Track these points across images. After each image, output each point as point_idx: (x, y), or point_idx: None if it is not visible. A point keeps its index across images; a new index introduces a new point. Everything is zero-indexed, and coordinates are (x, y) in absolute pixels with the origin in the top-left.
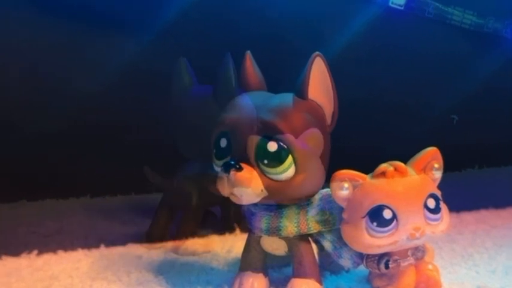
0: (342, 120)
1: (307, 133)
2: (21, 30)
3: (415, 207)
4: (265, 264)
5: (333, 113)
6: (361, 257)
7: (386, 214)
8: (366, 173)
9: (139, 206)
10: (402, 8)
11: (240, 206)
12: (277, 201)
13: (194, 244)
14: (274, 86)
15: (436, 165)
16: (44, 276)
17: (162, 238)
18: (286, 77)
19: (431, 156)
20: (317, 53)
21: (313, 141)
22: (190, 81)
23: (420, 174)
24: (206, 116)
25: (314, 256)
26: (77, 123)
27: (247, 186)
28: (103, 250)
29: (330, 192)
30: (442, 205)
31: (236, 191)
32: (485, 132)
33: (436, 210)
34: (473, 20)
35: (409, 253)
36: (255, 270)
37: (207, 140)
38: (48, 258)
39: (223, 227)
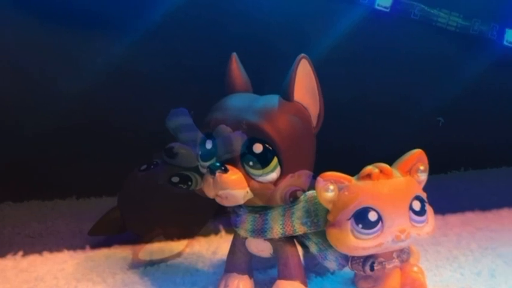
0: (328, 122)
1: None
2: (7, 31)
3: (400, 210)
4: (251, 266)
5: (319, 114)
6: (347, 259)
7: (372, 216)
8: (352, 174)
9: None
10: (388, 10)
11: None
12: (263, 203)
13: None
14: (259, 87)
15: (421, 167)
16: (29, 277)
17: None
18: (272, 79)
19: (417, 158)
20: (303, 54)
21: (298, 143)
22: None
23: (406, 176)
24: None
25: (299, 258)
26: (62, 125)
27: (232, 188)
28: (88, 251)
29: (316, 194)
30: (428, 207)
31: (221, 192)
32: (471, 134)
33: (421, 212)
34: (459, 22)
35: (395, 255)
36: (240, 271)
37: None
38: (34, 259)
39: None
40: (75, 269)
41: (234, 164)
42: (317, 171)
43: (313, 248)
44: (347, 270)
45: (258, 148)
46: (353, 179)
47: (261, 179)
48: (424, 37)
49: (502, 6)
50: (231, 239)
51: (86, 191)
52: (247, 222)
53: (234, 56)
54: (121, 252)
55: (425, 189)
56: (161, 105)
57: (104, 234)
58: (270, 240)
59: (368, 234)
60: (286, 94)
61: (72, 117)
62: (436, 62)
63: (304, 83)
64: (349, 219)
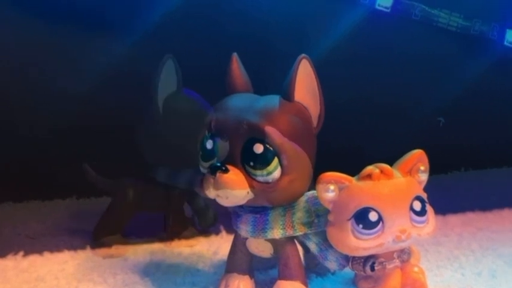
0: (328, 122)
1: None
2: (8, 31)
3: (401, 210)
4: (251, 266)
5: (319, 115)
6: (347, 259)
7: (372, 216)
8: (352, 175)
9: None
10: (389, 11)
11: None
12: (263, 203)
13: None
14: (260, 87)
15: (422, 168)
16: (29, 277)
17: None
18: (273, 79)
19: (417, 159)
20: (303, 55)
21: (299, 143)
22: (179, 83)
23: (406, 177)
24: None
25: (300, 258)
26: (62, 125)
27: (233, 188)
28: (89, 252)
29: (316, 194)
30: (428, 207)
31: (222, 193)
32: (471, 134)
33: (422, 212)
34: (459, 22)
35: (395, 255)
36: (241, 272)
37: (194, 147)
38: (34, 259)
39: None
40: (76, 269)
41: (235, 164)
42: (317, 171)
43: (313, 248)
44: (347, 270)
45: (258, 148)
46: (353, 180)
47: (261, 179)
48: (424, 37)
49: (502, 6)
50: (232, 239)
51: (86, 191)
52: (247, 223)
53: (235, 56)
54: (122, 252)
55: (425, 189)
56: None
57: (107, 236)
58: (271, 240)
59: (368, 234)
60: (287, 94)
61: (72, 118)
62: (437, 63)
63: (305, 84)
64: (350, 219)
